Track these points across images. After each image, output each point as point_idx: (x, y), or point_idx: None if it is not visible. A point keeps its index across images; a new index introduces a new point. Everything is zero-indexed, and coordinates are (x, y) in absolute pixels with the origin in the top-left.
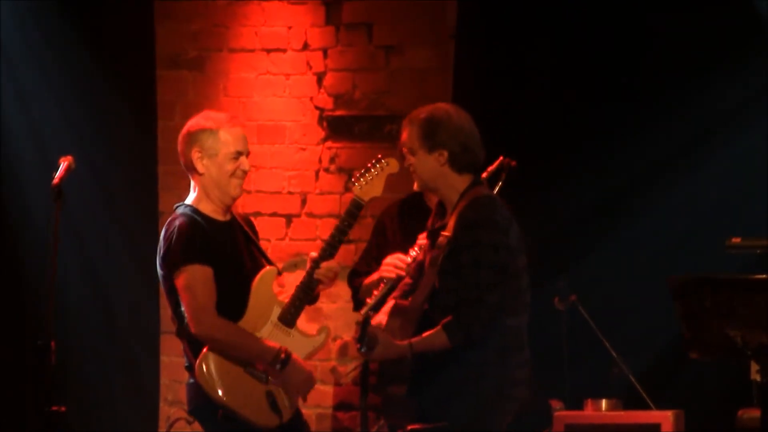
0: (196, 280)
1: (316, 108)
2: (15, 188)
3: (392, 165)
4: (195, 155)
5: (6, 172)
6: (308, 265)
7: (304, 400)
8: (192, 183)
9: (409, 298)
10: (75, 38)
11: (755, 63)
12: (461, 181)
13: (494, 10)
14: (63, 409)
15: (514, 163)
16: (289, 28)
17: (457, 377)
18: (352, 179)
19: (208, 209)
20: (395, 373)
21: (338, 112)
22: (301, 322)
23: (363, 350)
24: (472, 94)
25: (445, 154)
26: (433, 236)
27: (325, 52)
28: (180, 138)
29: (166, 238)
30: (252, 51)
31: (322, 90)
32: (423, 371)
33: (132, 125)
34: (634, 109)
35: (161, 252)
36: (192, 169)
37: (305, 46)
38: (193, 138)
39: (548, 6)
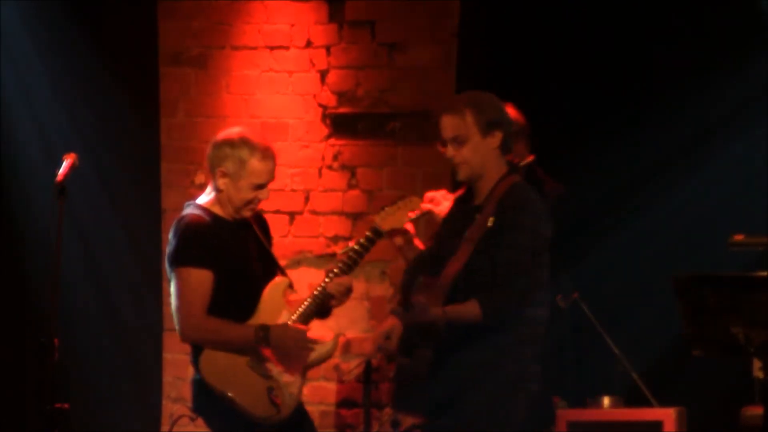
0: (187, 285)
1: (319, 105)
2: (18, 185)
3: (414, 202)
4: (219, 171)
5: (10, 170)
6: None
7: (304, 362)
8: (209, 188)
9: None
10: (78, 36)
11: (758, 61)
12: (501, 167)
13: (497, 8)
14: (66, 406)
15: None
16: (292, 25)
17: (475, 367)
18: (380, 210)
19: (219, 211)
20: (423, 337)
21: (341, 110)
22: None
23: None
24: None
25: (499, 135)
26: (463, 217)
27: (328, 49)
28: (212, 142)
29: (171, 238)
30: (255, 48)
31: (325, 87)
32: (445, 353)
33: (135, 122)
34: (638, 108)
35: (167, 251)
36: (213, 178)
37: (308, 44)
38: (222, 153)
39: (551, 4)
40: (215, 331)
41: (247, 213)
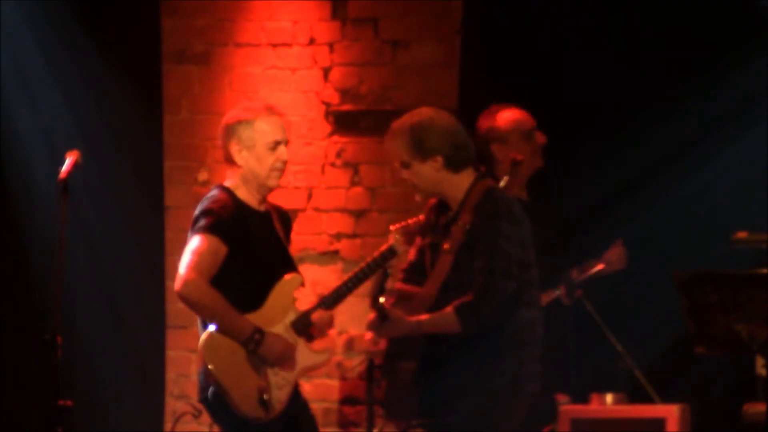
0: (205, 249)
1: (323, 103)
2: (21, 183)
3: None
4: (233, 148)
5: (12, 167)
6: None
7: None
8: (229, 173)
9: (413, 288)
10: (82, 33)
11: (758, 61)
12: (463, 178)
13: (500, 4)
14: (69, 403)
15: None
16: (295, 22)
17: (471, 369)
18: (391, 227)
19: (244, 196)
20: (403, 350)
21: (344, 107)
22: None
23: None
24: (477, 88)
25: (440, 159)
26: (441, 230)
27: (331, 46)
28: (219, 131)
29: (200, 209)
30: (258, 46)
31: (328, 85)
32: (434, 361)
33: (138, 120)
34: (640, 106)
35: (192, 222)
36: (231, 161)
37: (311, 41)
38: (230, 130)
39: (553, 2)
40: (213, 299)
41: (273, 182)
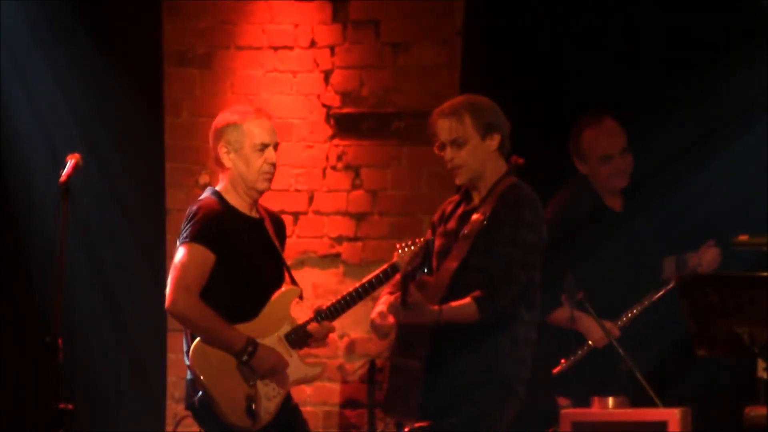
0: (191, 260)
1: (324, 105)
2: (22, 186)
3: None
4: (222, 150)
5: (13, 170)
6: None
7: (282, 384)
8: (220, 176)
9: (426, 277)
10: (83, 35)
11: (759, 60)
12: (501, 167)
13: (501, 6)
14: (70, 406)
15: (521, 160)
16: (296, 25)
17: (468, 370)
18: (397, 245)
19: (234, 200)
20: (414, 339)
21: (345, 110)
22: None
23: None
24: (479, 90)
25: (497, 137)
26: (460, 217)
27: (332, 49)
28: (210, 134)
29: (186, 217)
30: (259, 48)
31: (329, 87)
32: (439, 359)
33: (139, 122)
34: (640, 106)
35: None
36: (220, 163)
37: (312, 44)
38: (219, 133)
39: (554, 2)
40: (204, 315)
41: (262, 185)
